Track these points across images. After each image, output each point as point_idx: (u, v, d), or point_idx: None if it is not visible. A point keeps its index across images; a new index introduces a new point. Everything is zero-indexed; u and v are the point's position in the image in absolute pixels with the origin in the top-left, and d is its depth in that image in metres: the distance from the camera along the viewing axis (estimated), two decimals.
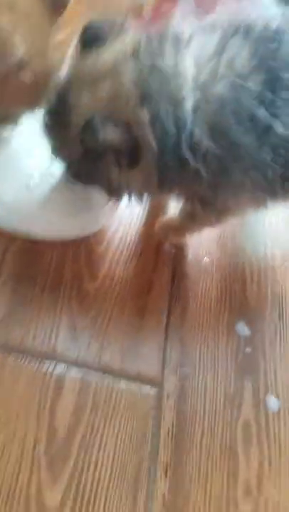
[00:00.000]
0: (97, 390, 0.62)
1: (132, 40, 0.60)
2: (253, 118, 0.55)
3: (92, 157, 0.60)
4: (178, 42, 0.58)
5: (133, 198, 0.65)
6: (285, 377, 0.68)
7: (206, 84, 0.56)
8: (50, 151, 0.66)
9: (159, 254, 0.77)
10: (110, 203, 0.74)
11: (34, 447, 0.56)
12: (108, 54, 0.60)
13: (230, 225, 0.78)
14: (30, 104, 0.66)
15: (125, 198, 0.65)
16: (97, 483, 0.56)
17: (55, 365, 0.62)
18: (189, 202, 0.69)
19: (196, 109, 0.55)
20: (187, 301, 0.74)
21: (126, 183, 0.62)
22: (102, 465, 0.57)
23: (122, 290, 0.72)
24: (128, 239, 0.78)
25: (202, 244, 0.80)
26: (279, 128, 0.55)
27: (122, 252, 0.76)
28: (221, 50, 0.57)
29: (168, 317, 0.71)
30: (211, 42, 0.58)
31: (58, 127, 0.63)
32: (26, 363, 0.61)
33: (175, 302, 0.73)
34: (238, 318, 0.72)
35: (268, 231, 0.84)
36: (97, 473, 0.56)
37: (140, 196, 0.65)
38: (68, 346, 0.64)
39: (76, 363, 0.63)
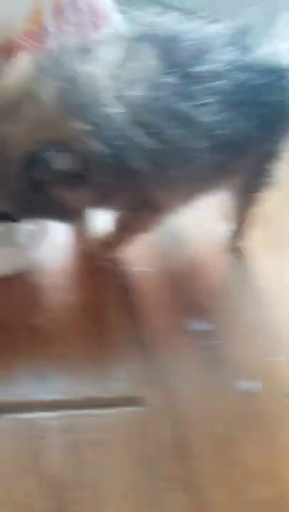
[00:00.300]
0: (81, 425, 0.56)
1: (31, 62, 0.58)
2: (176, 112, 0.57)
3: (35, 190, 0.57)
4: (84, 54, 0.58)
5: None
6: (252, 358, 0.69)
7: (122, 90, 0.56)
8: None
9: (101, 274, 0.75)
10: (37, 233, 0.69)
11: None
12: (13, 77, 0.58)
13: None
14: None
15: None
16: None
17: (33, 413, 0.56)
18: (129, 210, 0.68)
19: (120, 114, 0.56)
20: (142, 312, 0.72)
21: (74, 204, 0.60)
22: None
23: (75, 317, 0.67)
24: (62, 267, 0.74)
25: (140, 256, 0.79)
26: (203, 116, 0.57)
27: (60, 280, 0.72)
28: (130, 56, 0.58)
29: (128, 333, 0.68)
30: (118, 50, 0.59)
31: None
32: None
33: (131, 316, 0.71)
34: (195, 316, 0.72)
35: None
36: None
37: (87, 213, 0.65)
38: (38, 390, 0.58)
39: (53, 405, 0.57)
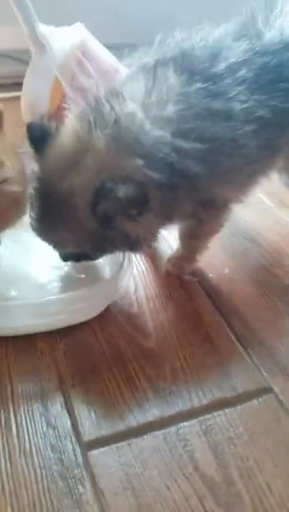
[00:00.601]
0: (219, 426, 0.57)
1: (78, 118, 0.64)
2: (212, 111, 0.61)
3: (105, 226, 0.62)
4: (115, 97, 0.64)
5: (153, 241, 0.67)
6: None
7: (157, 112, 0.61)
8: (54, 247, 0.67)
9: (186, 287, 0.78)
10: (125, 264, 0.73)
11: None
12: (67, 137, 0.64)
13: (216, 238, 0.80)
14: (15, 218, 0.68)
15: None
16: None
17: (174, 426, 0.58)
18: (192, 217, 0.71)
19: (164, 130, 0.61)
20: (237, 310, 0.74)
21: (142, 231, 0.64)
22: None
23: (179, 331, 0.70)
24: (150, 289, 0.78)
25: (210, 262, 0.82)
26: (237, 106, 0.61)
27: (154, 302, 0.75)
28: (152, 83, 0.63)
29: (234, 333, 0.70)
30: (141, 83, 0.64)
31: (59, 219, 0.63)
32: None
33: (229, 317, 0.72)
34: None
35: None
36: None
37: (155, 237, 0.67)
38: (168, 405, 0.60)
39: (188, 415, 0.59)
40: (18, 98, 1.14)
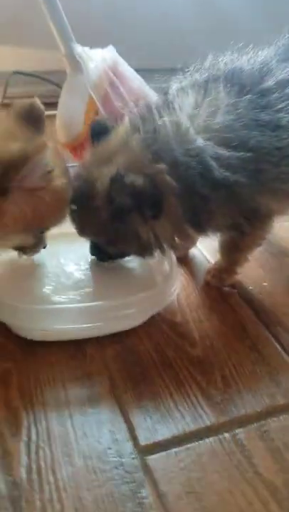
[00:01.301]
0: (276, 431, 0.58)
1: (130, 122, 0.68)
2: (258, 122, 0.65)
3: (119, 218, 0.65)
4: (165, 106, 0.67)
5: (166, 249, 0.69)
6: None
7: (203, 122, 0.65)
8: (78, 233, 0.71)
9: (227, 299, 0.79)
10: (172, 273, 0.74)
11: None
12: (114, 136, 0.69)
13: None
14: (59, 215, 0.69)
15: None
16: None
17: (234, 432, 0.58)
18: (233, 229, 0.73)
19: (209, 139, 0.64)
20: (281, 321, 0.75)
21: (154, 236, 0.67)
22: None
23: (224, 340, 0.71)
24: (192, 300, 0.78)
25: (247, 275, 0.83)
26: (285, 118, 0.65)
27: (197, 312, 0.76)
28: (202, 96, 0.66)
29: (280, 343, 0.71)
30: (191, 96, 0.67)
31: (84, 205, 0.68)
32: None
33: (274, 328, 0.73)
34: None
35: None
36: None
37: (174, 244, 0.70)
38: (222, 412, 0.60)
39: (243, 421, 0.59)
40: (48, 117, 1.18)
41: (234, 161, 0.64)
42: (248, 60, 0.72)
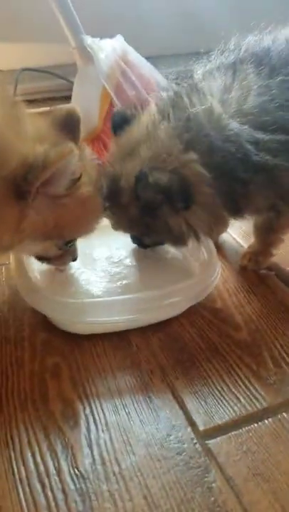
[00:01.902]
0: None
1: (156, 109, 0.67)
2: None
3: (148, 213, 0.64)
4: (195, 92, 0.66)
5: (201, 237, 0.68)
6: None
7: (236, 107, 0.64)
8: (113, 228, 0.71)
9: (265, 281, 0.78)
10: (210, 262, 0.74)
11: None
12: (137, 126, 0.67)
13: None
14: (88, 225, 0.67)
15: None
16: None
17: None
18: (269, 210, 0.72)
19: (244, 124, 0.62)
20: None
21: (188, 226, 0.65)
22: None
23: (268, 322, 0.70)
24: (230, 285, 0.78)
25: (282, 256, 0.82)
26: None
27: (237, 296, 0.75)
28: (232, 79, 0.65)
29: None
30: (220, 79, 0.66)
31: (114, 201, 0.67)
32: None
33: None
34: None
35: None
36: None
37: (210, 231, 0.69)
38: (276, 393, 0.60)
39: None
40: None
41: (274, 144, 0.62)
42: (272, 40, 0.71)
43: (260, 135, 0.62)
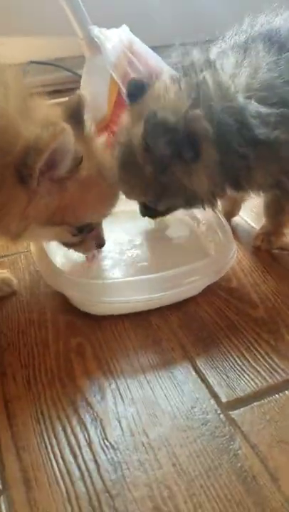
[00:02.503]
0: None
1: (170, 80, 0.69)
2: None
3: (161, 170, 0.65)
4: (208, 66, 0.67)
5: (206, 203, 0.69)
6: None
7: (245, 80, 0.65)
8: (126, 196, 0.71)
9: (280, 261, 0.80)
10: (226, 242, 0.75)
11: None
12: (152, 92, 0.69)
13: None
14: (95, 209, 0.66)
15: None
16: None
17: None
18: (274, 188, 0.73)
19: (249, 98, 0.63)
20: None
21: (196, 184, 0.66)
22: None
23: (284, 300, 0.72)
24: (244, 265, 0.79)
25: None
26: None
27: (252, 276, 0.77)
28: (242, 57, 0.67)
29: None
30: (229, 58, 0.68)
31: (127, 167, 0.68)
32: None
33: None
34: None
35: None
36: None
37: (211, 198, 0.69)
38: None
39: None
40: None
41: (274, 118, 0.63)
42: (284, 19, 0.72)
43: (262, 109, 0.63)
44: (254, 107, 0.63)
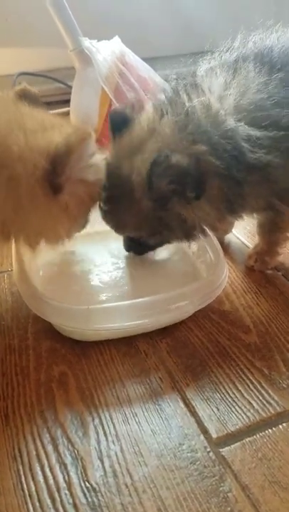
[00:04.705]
0: None
1: (154, 108, 0.66)
2: None
3: (161, 205, 0.63)
4: (193, 89, 0.64)
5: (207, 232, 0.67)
6: None
7: (234, 103, 0.62)
8: (117, 231, 0.69)
9: (273, 282, 0.77)
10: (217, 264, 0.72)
11: None
12: (138, 125, 0.66)
13: None
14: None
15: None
16: None
17: None
18: (268, 209, 0.70)
19: (240, 120, 0.61)
20: None
21: (198, 218, 0.64)
22: None
23: (278, 324, 0.69)
24: (237, 286, 0.76)
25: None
26: None
27: (245, 298, 0.74)
28: (232, 76, 0.64)
29: None
30: (220, 76, 0.65)
31: (120, 201, 0.65)
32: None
33: None
34: None
35: None
36: None
37: (215, 227, 0.68)
38: (287, 397, 0.58)
39: None
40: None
41: (266, 141, 0.61)
42: (277, 38, 0.70)
43: (253, 131, 0.61)
44: (245, 129, 0.61)
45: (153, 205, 0.63)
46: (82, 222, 0.67)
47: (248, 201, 0.66)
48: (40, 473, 0.50)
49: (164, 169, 0.59)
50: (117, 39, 1.17)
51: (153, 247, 0.74)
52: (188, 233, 0.67)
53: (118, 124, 0.67)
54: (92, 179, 0.62)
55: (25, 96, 0.64)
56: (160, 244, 0.73)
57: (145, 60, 1.25)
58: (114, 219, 0.69)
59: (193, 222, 0.64)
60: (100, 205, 0.68)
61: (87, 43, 1.09)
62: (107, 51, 1.12)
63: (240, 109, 0.62)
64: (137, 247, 0.74)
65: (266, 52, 0.67)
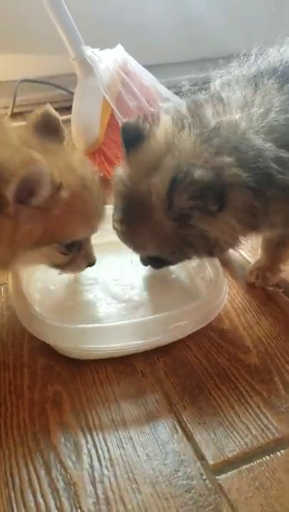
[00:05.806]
0: None
1: (173, 120, 0.63)
2: None
3: (183, 223, 0.60)
4: (217, 101, 0.62)
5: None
6: None
7: (260, 122, 0.60)
8: (137, 252, 0.67)
9: (274, 299, 0.76)
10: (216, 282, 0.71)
11: None
12: (154, 139, 0.63)
13: None
14: (83, 225, 0.64)
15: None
16: None
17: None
18: (281, 226, 0.69)
19: (267, 140, 0.59)
20: None
21: (221, 232, 0.61)
22: None
23: (278, 344, 0.67)
24: (237, 304, 0.75)
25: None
26: None
27: (245, 316, 0.72)
28: (252, 93, 0.62)
29: None
30: (236, 93, 0.63)
31: (138, 222, 0.63)
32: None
33: None
34: None
35: None
36: None
37: (235, 243, 0.65)
38: (286, 422, 0.57)
39: None
40: None
41: None
42: None
43: (283, 154, 0.59)
44: (274, 149, 0.58)
45: (174, 225, 0.61)
46: (27, 251, 0.59)
47: (271, 216, 0.64)
48: (32, 499, 0.49)
49: (185, 186, 0.56)
50: (120, 47, 1.16)
51: (172, 263, 0.72)
52: (211, 249, 0.64)
53: (131, 137, 0.64)
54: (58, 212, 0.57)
55: (44, 119, 0.62)
56: (180, 260, 0.70)
57: (148, 67, 1.24)
58: (133, 240, 0.66)
59: (216, 237, 0.62)
60: (113, 226, 0.66)
61: (89, 51, 1.08)
62: (109, 60, 1.10)
63: (267, 129, 0.60)
64: (155, 262, 0.71)
65: (285, 68, 0.64)
